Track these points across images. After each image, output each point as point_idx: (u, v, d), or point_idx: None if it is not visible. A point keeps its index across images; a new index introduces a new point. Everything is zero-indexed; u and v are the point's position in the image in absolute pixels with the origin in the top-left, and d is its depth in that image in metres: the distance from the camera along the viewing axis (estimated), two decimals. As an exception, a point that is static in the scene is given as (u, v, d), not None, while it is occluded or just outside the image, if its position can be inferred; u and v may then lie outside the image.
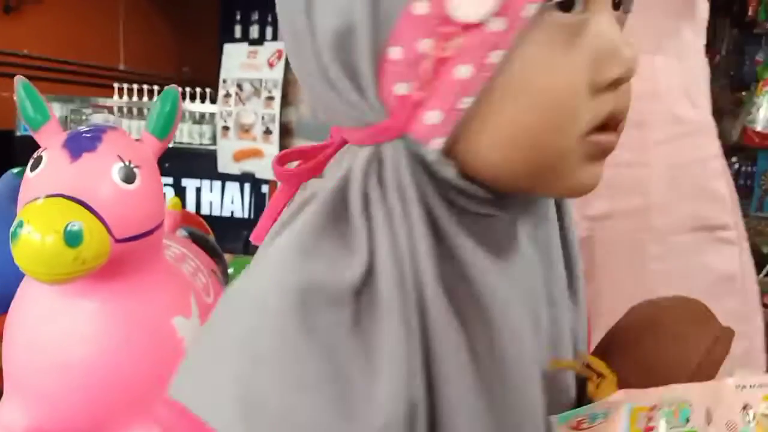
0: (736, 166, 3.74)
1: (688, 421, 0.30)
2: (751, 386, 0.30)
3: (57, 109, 3.66)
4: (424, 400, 0.31)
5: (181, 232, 1.27)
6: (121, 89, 3.72)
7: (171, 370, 0.86)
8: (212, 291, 1.03)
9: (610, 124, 0.35)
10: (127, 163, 0.76)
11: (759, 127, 2.63)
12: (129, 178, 0.76)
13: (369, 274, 0.32)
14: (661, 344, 0.35)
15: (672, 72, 0.93)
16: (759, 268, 2.53)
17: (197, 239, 1.25)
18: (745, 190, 3.57)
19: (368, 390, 0.30)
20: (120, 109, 3.65)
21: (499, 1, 0.30)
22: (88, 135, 0.76)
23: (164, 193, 0.86)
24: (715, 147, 1.00)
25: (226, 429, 0.30)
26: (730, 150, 3.81)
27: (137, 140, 0.82)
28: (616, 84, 0.34)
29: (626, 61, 0.34)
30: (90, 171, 0.74)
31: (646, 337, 0.35)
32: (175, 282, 0.90)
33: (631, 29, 0.85)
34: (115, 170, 0.75)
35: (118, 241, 0.73)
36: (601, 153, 0.36)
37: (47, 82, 3.97)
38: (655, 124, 0.89)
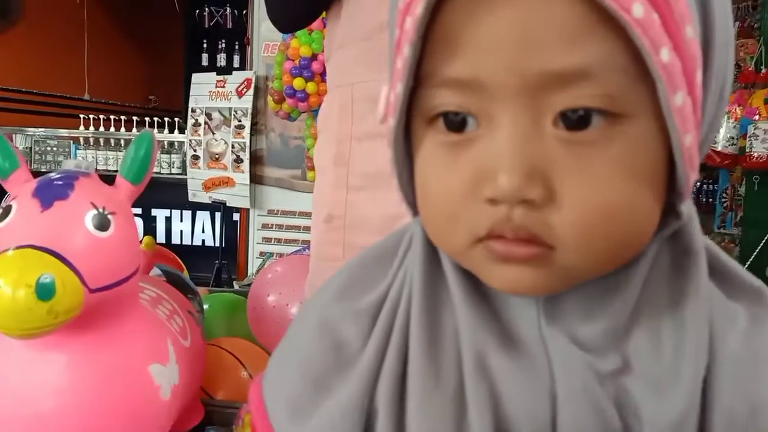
0: (698, 184, 3.84)
1: None
2: None
3: (21, 141, 3.58)
4: (391, 410, 0.36)
5: (155, 271, 1.25)
6: (86, 119, 3.67)
7: (149, 420, 0.83)
8: (189, 333, 1.01)
9: (507, 234, 0.32)
10: (100, 210, 0.75)
11: (719, 147, 2.69)
12: (103, 225, 0.74)
13: (382, 300, 0.39)
14: None
15: None
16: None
17: (172, 277, 1.23)
18: (707, 207, 3.67)
19: (341, 383, 0.37)
20: (86, 139, 3.60)
21: (383, 109, 0.35)
22: (60, 182, 0.75)
23: (139, 238, 0.84)
24: None
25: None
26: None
27: (111, 185, 0.81)
28: (492, 202, 0.31)
29: (498, 187, 0.30)
30: (62, 220, 0.72)
31: None
32: (151, 328, 0.88)
33: None
34: (89, 218, 0.73)
35: (92, 291, 0.72)
36: (506, 257, 0.32)
37: (11, 113, 3.89)
38: None
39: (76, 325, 0.72)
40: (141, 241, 1.23)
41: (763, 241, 2.62)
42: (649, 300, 0.35)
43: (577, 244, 0.31)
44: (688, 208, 0.35)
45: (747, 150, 2.61)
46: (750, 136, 2.59)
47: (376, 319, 0.39)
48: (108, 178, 0.81)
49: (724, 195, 3.27)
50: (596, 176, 0.31)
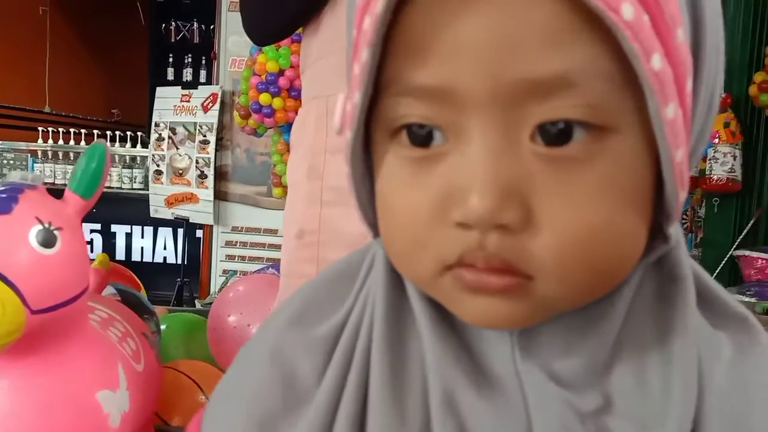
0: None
1: None
2: None
3: (-25, 154, 3.47)
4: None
5: (110, 290, 1.19)
6: (46, 133, 3.57)
7: (95, 451, 0.78)
8: (143, 356, 0.96)
9: (479, 263, 0.28)
10: (46, 225, 0.70)
11: (682, 169, 2.74)
12: (48, 241, 0.70)
13: (341, 328, 0.36)
14: None
15: None
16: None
17: (127, 297, 1.17)
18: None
19: (292, 423, 0.34)
20: (45, 153, 3.50)
21: (339, 120, 0.32)
22: (3, 195, 0.70)
23: (89, 255, 0.80)
24: None
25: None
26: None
27: (59, 199, 0.76)
28: (462, 226, 0.28)
29: (470, 210, 0.27)
30: (4, 235, 0.68)
31: None
32: (100, 352, 0.83)
33: None
34: (33, 234, 0.69)
35: (34, 312, 0.67)
36: (478, 288, 0.29)
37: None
38: None
39: (18, 349, 0.67)
40: (94, 259, 1.18)
41: (723, 261, 2.67)
42: (632, 332, 0.32)
43: (557, 273, 0.28)
44: (676, 230, 0.32)
45: (707, 172, 2.66)
46: (710, 159, 2.64)
47: (333, 349, 0.35)
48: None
49: (685, 216, 3.34)
50: (578, 197, 0.28)
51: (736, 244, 2.67)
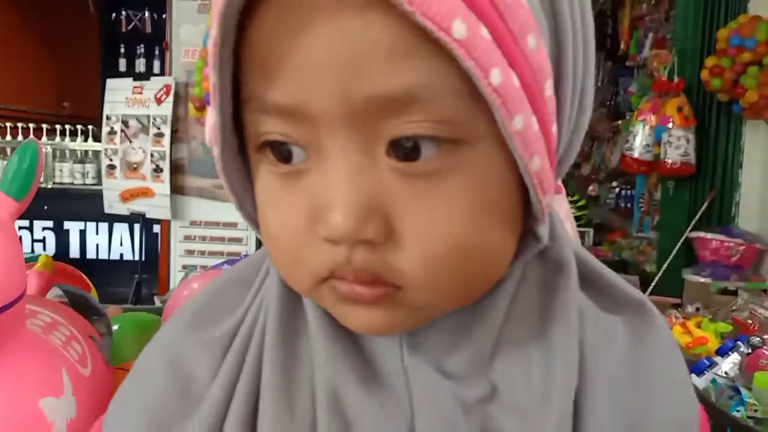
0: (617, 190, 3.99)
1: None
2: None
3: None
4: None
5: (56, 291, 1.15)
6: (-7, 127, 3.45)
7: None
8: (90, 360, 0.92)
9: (348, 277, 0.29)
10: (-24, 229, 0.66)
11: (636, 154, 2.78)
12: (-21, 246, 0.66)
13: (236, 329, 0.37)
14: None
15: None
16: (643, 286, 2.67)
17: (74, 299, 1.13)
18: (626, 212, 3.82)
19: (185, 424, 0.35)
20: (-9, 149, 3.38)
21: (208, 136, 0.32)
22: (-73, 199, 0.66)
23: (24, 259, 0.76)
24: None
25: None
26: (610, 175, 4.08)
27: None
28: (330, 242, 0.29)
29: (332, 227, 0.28)
30: (-71, 242, 0.64)
31: None
32: (42, 358, 0.80)
33: None
34: (-39, 239, 0.65)
35: (-35, 321, 0.63)
36: (351, 298, 0.30)
37: None
38: None
39: (-53, 361, 0.64)
40: (37, 260, 1.13)
41: (678, 243, 2.73)
42: (516, 323, 0.34)
43: (424, 284, 0.29)
44: (549, 229, 0.34)
45: (662, 156, 2.71)
46: (664, 143, 2.69)
47: (228, 349, 0.36)
48: None
49: (641, 200, 3.40)
50: (438, 210, 0.28)
51: (691, 226, 2.73)
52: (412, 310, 0.30)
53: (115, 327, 1.38)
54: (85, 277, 1.43)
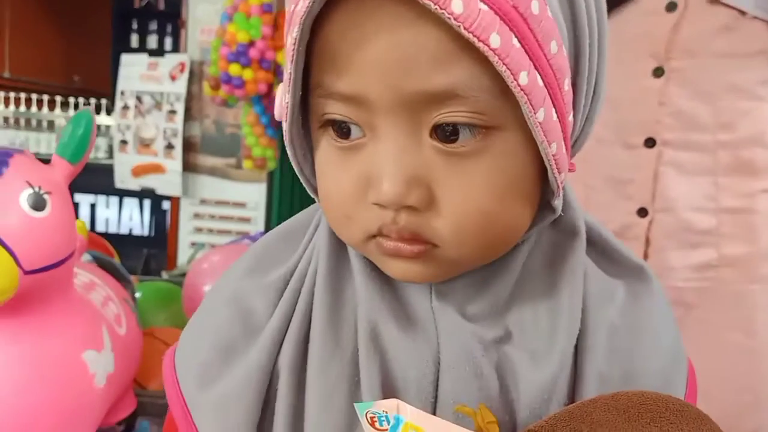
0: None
1: None
2: None
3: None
4: (292, 371, 0.39)
5: (86, 257, 1.20)
6: (6, 98, 3.47)
7: (83, 408, 0.81)
8: (124, 321, 0.98)
9: (393, 235, 0.35)
10: (36, 189, 0.71)
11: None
12: (39, 205, 0.71)
13: (290, 274, 0.43)
14: (573, 425, 0.34)
15: None
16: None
17: (104, 264, 1.18)
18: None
19: (248, 348, 0.41)
20: (6, 119, 3.41)
21: (278, 109, 0.38)
22: (-7, 159, 0.71)
23: (75, 220, 0.81)
24: None
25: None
26: None
27: (47, 163, 0.77)
28: (379, 206, 0.35)
29: (381, 194, 0.34)
30: (-4, 198, 0.68)
31: (571, 418, 0.35)
32: (85, 314, 0.85)
33: (739, 76, 0.80)
34: (24, 197, 0.70)
35: (27, 272, 0.68)
36: (395, 254, 0.36)
37: None
38: (763, 171, 0.84)
39: (9, 308, 0.69)
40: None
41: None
42: (529, 278, 0.40)
43: (456, 244, 0.35)
44: (564, 200, 0.40)
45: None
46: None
47: (282, 291, 0.42)
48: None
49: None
50: (471, 185, 0.34)
51: None
52: (443, 264, 0.37)
53: (137, 294, 1.43)
54: (109, 245, 1.47)
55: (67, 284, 0.81)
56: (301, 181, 0.41)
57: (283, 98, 0.36)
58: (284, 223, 0.48)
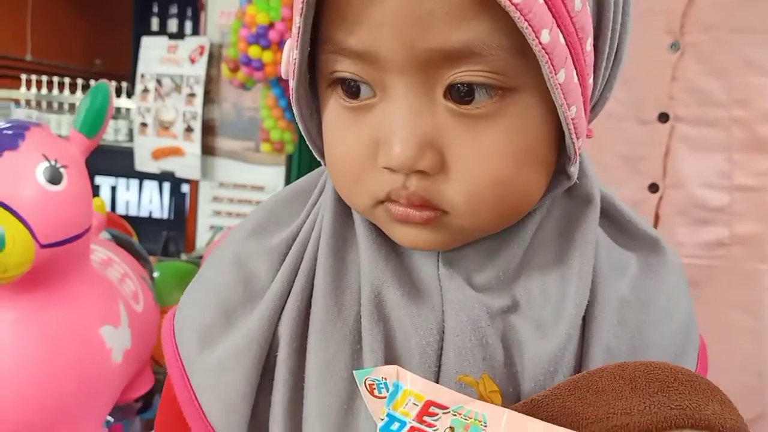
0: None
1: None
2: None
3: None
4: (293, 337, 0.38)
5: (105, 235, 1.20)
6: (29, 81, 3.50)
7: (100, 383, 0.81)
8: (142, 298, 0.98)
9: (402, 201, 0.34)
10: (53, 163, 0.71)
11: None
12: (55, 178, 0.71)
13: (293, 238, 0.41)
14: (578, 394, 0.33)
15: None
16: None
17: (122, 243, 1.18)
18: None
19: (248, 313, 0.39)
20: (27, 102, 3.44)
21: (284, 67, 0.36)
22: (10, 132, 0.71)
23: (92, 195, 0.81)
24: None
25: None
26: None
27: (64, 138, 0.77)
28: (388, 170, 0.33)
29: (392, 157, 0.32)
30: (12, 171, 0.68)
31: (576, 387, 0.33)
32: (102, 289, 0.85)
33: (755, 52, 0.78)
34: (40, 170, 0.70)
35: (43, 246, 0.68)
36: (404, 220, 0.35)
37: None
38: None
39: (25, 282, 0.69)
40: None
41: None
42: (539, 248, 0.39)
43: (467, 211, 0.34)
44: (580, 167, 0.38)
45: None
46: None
47: (285, 255, 0.41)
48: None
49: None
50: (486, 149, 0.32)
51: None
52: (453, 232, 0.35)
53: (155, 274, 1.44)
54: (128, 225, 1.48)
55: (83, 259, 0.81)
56: (307, 142, 0.39)
57: (290, 54, 0.34)
58: (290, 185, 0.46)
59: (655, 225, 0.84)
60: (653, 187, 0.84)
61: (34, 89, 3.49)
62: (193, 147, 3.08)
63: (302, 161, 2.86)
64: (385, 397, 0.32)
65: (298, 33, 0.33)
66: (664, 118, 0.82)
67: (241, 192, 3.12)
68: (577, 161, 0.36)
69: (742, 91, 0.80)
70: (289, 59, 0.35)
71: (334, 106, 0.35)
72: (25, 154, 0.69)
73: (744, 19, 0.80)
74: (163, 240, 3.18)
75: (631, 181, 0.85)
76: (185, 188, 3.36)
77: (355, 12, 0.31)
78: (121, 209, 3.54)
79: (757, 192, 0.82)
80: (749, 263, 0.82)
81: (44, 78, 3.53)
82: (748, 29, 0.80)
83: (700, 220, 0.83)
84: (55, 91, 3.51)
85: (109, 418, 0.93)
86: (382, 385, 0.32)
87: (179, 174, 3.16)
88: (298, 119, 0.38)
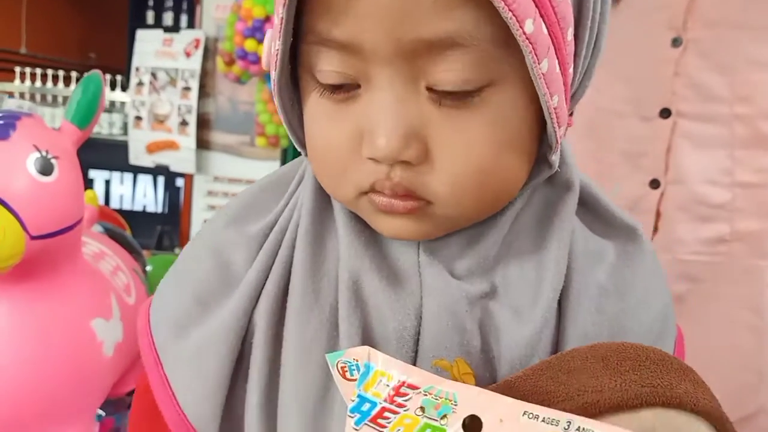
0: None
1: (444, 418, 0.30)
2: (541, 419, 0.28)
3: (-53, 93, 3.37)
4: (269, 323, 0.38)
5: (97, 228, 1.20)
6: (23, 74, 3.48)
7: (91, 376, 0.80)
8: (134, 291, 0.97)
9: (386, 191, 0.34)
10: (44, 154, 0.70)
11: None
12: (46, 169, 0.70)
13: (271, 226, 0.41)
14: (550, 373, 0.33)
15: None
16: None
17: (114, 236, 1.18)
18: None
19: (224, 301, 0.40)
20: (21, 94, 3.42)
21: (266, 57, 0.34)
22: (1, 122, 0.70)
23: (84, 187, 0.80)
24: None
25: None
26: None
27: (56, 129, 0.76)
28: (372, 161, 0.33)
29: (377, 148, 0.32)
30: (2, 161, 0.68)
31: (548, 367, 0.34)
32: (93, 282, 0.84)
33: (758, 48, 0.78)
34: (31, 161, 0.69)
35: (33, 238, 0.68)
36: (388, 210, 0.35)
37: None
38: None
39: (16, 274, 0.68)
40: (83, 195, 1.18)
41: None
42: (518, 235, 0.39)
43: (450, 201, 0.34)
44: (561, 155, 0.39)
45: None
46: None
47: (263, 243, 0.41)
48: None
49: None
50: (469, 139, 0.33)
51: None
52: (437, 221, 0.36)
53: (148, 268, 1.43)
54: (121, 218, 1.47)
55: (75, 251, 0.80)
56: (288, 133, 0.39)
57: (272, 45, 0.34)
58: (269, 174, 0.46)
59: (656, 221, 0.84)
60: (654, 183, 0.84)
61: (28, 82, 3.47)
62: (187, 141, 3.07)
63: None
64: (356, 379, 0.32)
65: (281, 24, 0.33)
66: (666, 113, 0.82)
67: (236, 186, 3.11)
68: (558, 150, 0.37)
69: (744, 88, 0.80)
70: (271, 50, 0.34)
71: (317, 98, 0.35)
72: (16, 145, 0.69)
73: (747, 15, 0.80)
74: (158, 234, 3.17)
75: (633, 177, 0.85)
76: (180, 182, 3.34)
77: (340, 3, 0.31)
78: (115, 203, 3.52)
79: (759, 189, 0.81)
80: (750, 260, 0.82)
81: (38, 71, 3.51)
82: (751, 26, 0.80)
83: (702, 217, 0.82)
84: (50, 84, 3.49)
85: (101, 411, 0.93)
86: (354, 367, 0.32)
87: (174, 168, 3.14)
88: (279, 110, 0.38)
